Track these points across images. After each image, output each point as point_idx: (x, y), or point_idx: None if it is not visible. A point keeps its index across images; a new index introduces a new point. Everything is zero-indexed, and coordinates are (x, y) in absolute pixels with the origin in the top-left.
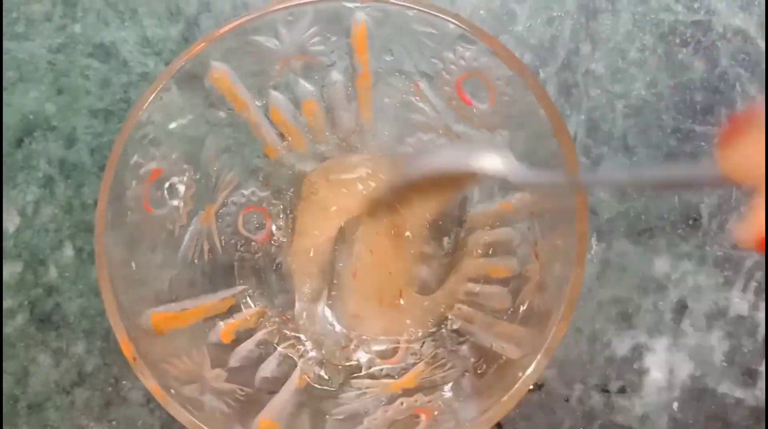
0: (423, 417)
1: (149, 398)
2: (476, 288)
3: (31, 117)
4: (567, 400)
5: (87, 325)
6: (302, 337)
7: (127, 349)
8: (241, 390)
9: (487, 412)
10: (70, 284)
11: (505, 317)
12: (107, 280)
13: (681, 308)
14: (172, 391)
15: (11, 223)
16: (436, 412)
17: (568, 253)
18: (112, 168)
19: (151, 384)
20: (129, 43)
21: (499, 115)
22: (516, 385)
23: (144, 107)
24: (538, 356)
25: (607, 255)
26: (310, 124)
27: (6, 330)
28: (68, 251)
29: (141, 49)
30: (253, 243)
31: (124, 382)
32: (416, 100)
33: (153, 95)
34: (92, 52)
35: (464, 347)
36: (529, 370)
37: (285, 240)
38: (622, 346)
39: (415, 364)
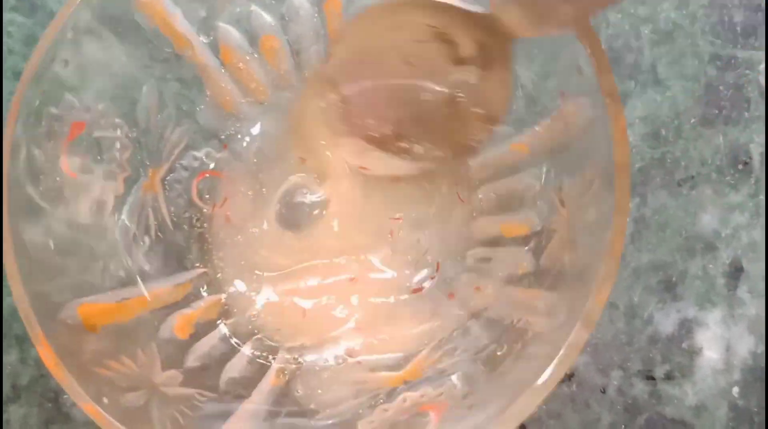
0: (432, 415)
1: None
2: (488, 253)
3: None
4: (603, 392)
5: (19, 329)
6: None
7: (46, 352)
8: (201, 395)
9: (514, 404)
10: None
11: (527, 284)
12: (14, 264)
13: (735, 272)
14: (105, 401)
15: None
16: (447, 408)
17: (603, 194)
18: (13, 120)
19: (76, 394)
20: None
21: None
22: (551, 366)
23: (52, 40)
24: (577, 325)
25: (642, 211)
26: (270, 65)
27: None
28: None
29: None
30: (211, 216)
31: (66, 396)
32: None
33: (65, 20)
34: (15, 5)
35: (476, 326)
36: (567, 343)
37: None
38: (666, 323)
39: (417, 351)
